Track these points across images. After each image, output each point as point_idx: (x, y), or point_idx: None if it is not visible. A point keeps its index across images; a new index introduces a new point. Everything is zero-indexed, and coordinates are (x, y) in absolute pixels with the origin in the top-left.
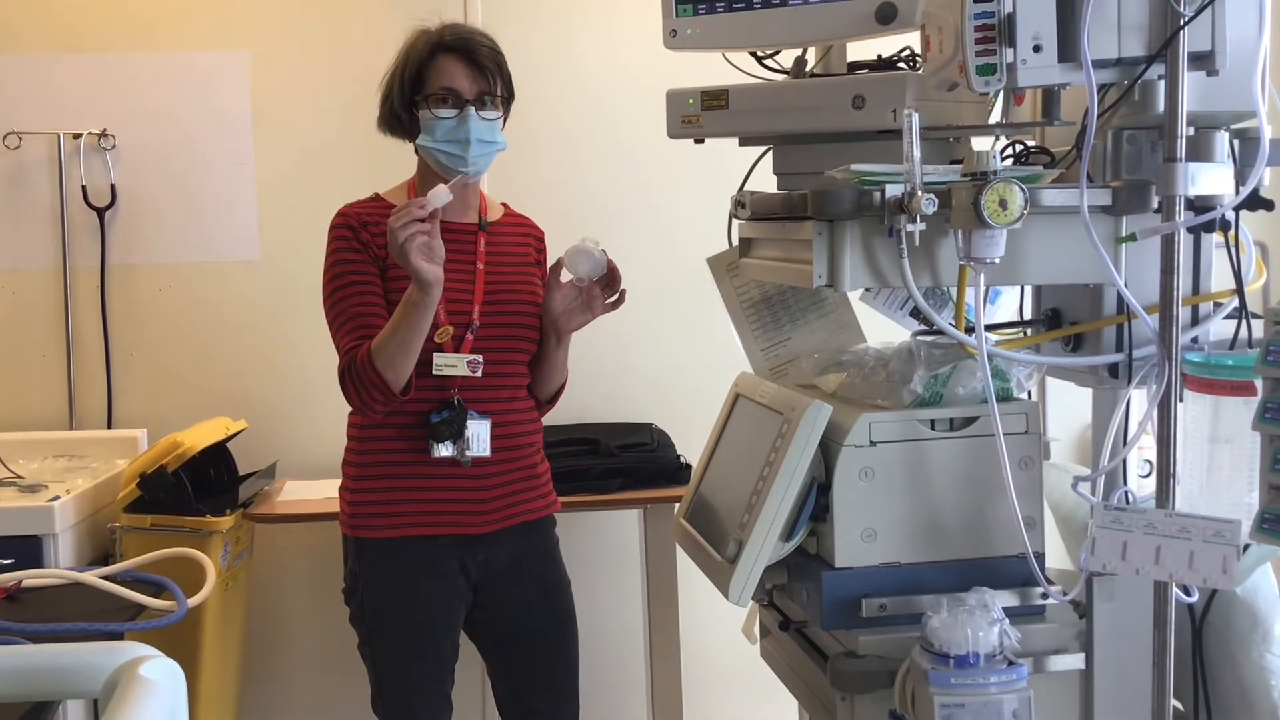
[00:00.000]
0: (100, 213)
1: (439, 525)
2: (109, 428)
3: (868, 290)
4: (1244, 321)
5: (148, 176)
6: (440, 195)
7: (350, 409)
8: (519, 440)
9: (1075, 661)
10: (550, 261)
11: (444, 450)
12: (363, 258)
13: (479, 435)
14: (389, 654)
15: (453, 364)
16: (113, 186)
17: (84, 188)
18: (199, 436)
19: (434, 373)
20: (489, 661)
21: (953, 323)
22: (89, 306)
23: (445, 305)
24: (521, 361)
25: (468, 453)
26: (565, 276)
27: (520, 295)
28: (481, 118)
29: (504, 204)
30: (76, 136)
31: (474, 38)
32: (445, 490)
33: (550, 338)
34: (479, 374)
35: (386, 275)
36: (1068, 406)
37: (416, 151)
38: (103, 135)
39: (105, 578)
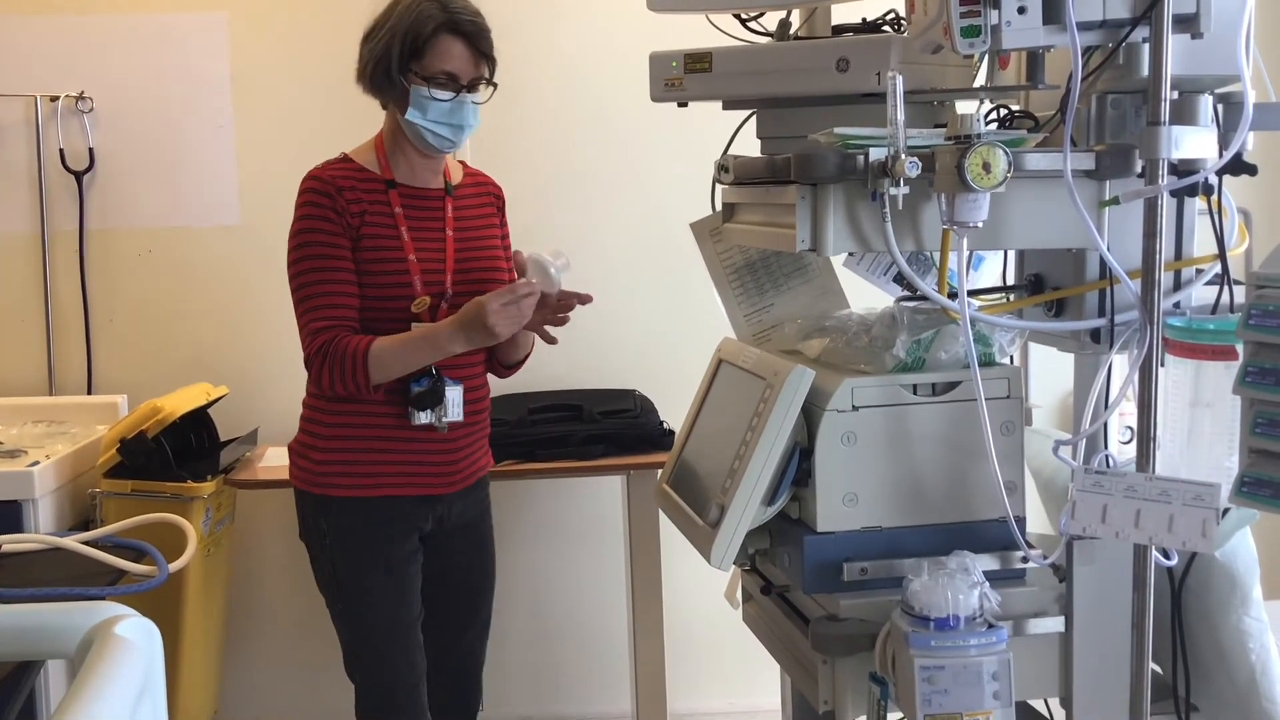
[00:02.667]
0: (78, 176)
1: (410, 486)
2: (89, 393)
3: (851, 255)
4: (1226, 287)
5: (126, 140)
6: (550, 279)
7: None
8: (483, 403)
9: (1055, 625)
10: (510, 225)
11: (423, 418)
12: (334, 228)
13: (454, 401)
14: (367, 612)
15: None
16: (91, 150)
17: (61, 151)
18: (179, 402)
19: None
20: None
21: (935, 288)
22: (68, 271)
23: (420, 275)
24: None
25: (445, 419)
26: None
27: (486, 259)
28: (473, 102)
29: (461, 162)
30: (54, 99)
31: (478, 21)
32: (418, 453)
33: None
34: None
35: (359, 245)
36: (1050, 372)
37: (386, 110)
38: (80, 98)
39: (86, 543)
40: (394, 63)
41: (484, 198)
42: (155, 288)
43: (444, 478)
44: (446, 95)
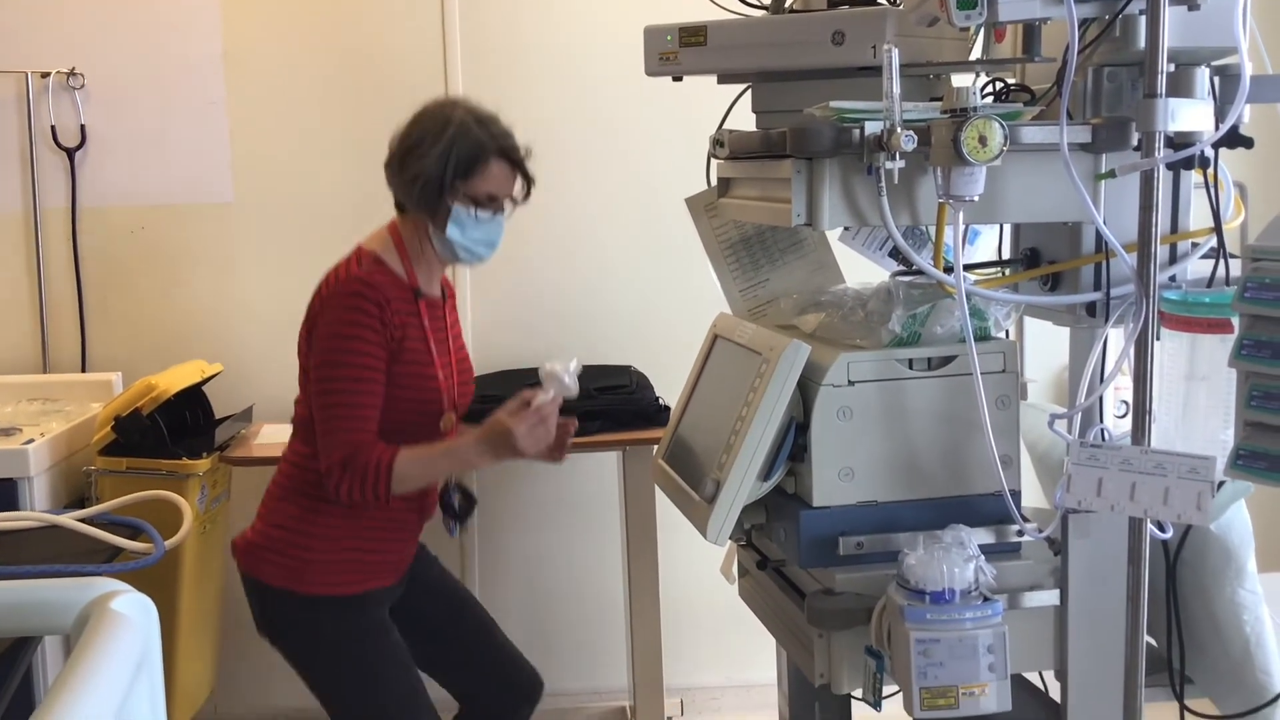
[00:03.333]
0: (70, 153)
1: (395, 574)
2: (83, 371)
3: (846, 230)
4: (1221, 260)
5: (118, 116)
6: (567, 387)
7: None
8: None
9: (1050, 598)
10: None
11: (456, 529)
12: (379, 340)
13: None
14: (389, 701)
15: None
16: (82, 127)
17: (53, 128)
18: (174, 379)
19: None
20: (428, 658)
21: (931, 262)
22: (60, 249)
23: (446, 391)
24: None
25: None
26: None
27: (467, 361)
28: (504, 219)
29: None
30: (45, 76)
31: (519, 144)
32: (403, 543)
33: None
34: None
35: (398, 359)
36: (1045, 347)
37: (403, 212)
38: (71, 74)
39: (82, 520)
40: (449, 180)
41: (449, 296)
42: (149, 265)
43: (411, 559)
44: (488, 215)
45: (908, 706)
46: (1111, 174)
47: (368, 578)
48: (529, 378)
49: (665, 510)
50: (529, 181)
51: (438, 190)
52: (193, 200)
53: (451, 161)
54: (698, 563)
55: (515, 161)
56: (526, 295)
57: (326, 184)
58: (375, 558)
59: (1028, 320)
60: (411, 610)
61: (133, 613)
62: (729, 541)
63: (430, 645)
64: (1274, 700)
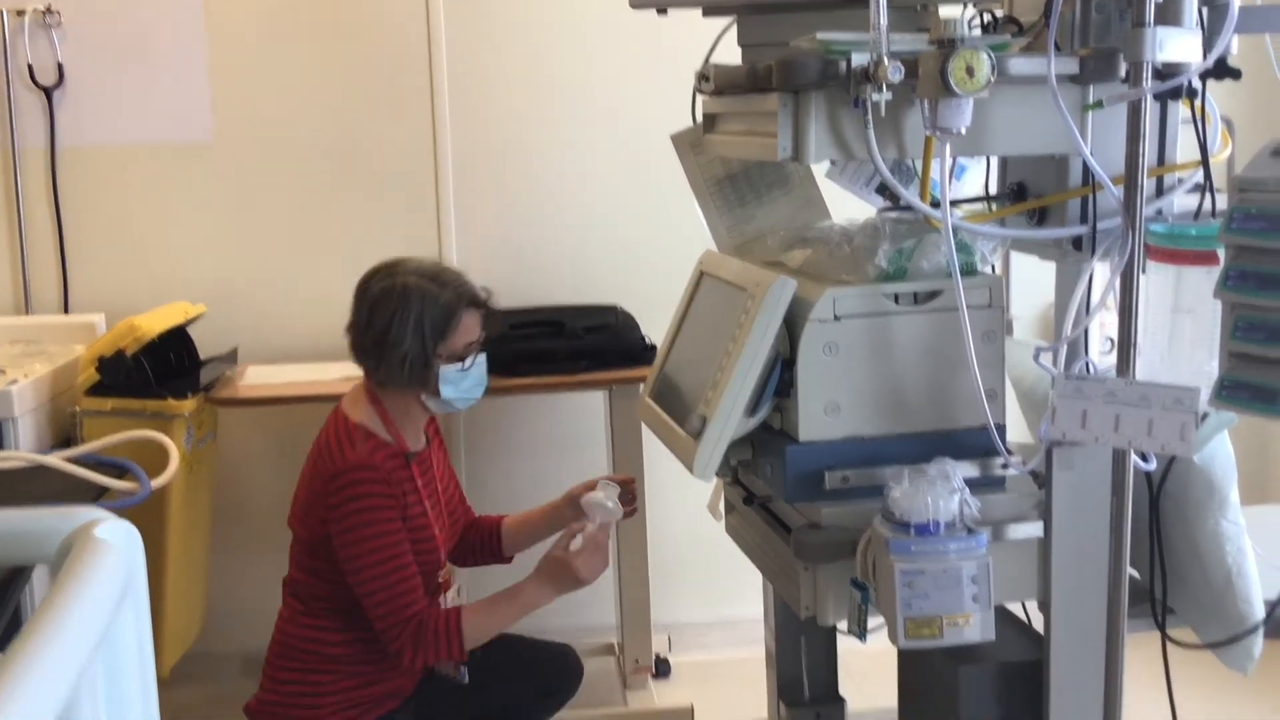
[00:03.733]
0: (48, 92)
1: (410, 689)
2: (65, 313)
3: (833, 165)
4: (1208, 193)
5: (95, 54)
6: (612, 512)
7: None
8: None
9: (1034, 530)
10: (489, 141)
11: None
12: (395, 512)
13: None
14: None
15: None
16: (59, 65)
17: (30, 66)
18: (157, 320)
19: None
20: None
21: (918, 196)
22: (39, 189)
23: (442, 545)
24: None
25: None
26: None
27: (457, 502)
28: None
29: None
30: (20, 13)
31: (479, 289)
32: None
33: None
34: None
35: (407, 525)
36: (1031, 284)
37: (382, 385)
38: (47, 11)
39: (68, 460)
40: (430, 353)
41: (433, 423)
42: (130, 206)
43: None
44: (473, 362)
45: (892, 637)
46: (1099, 104)
47: (378, 705)
48: (513, 317)
49: (652, 448)
50: (495, 315)
51: (424, 363)
52: (172, 140)
53: (427, 330)
54: (684, 500)
55: (481, 304)
56: (510, 236)
57: (307, 123)
58: (383, 688)
59: (1014, 258)
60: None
61: (116, 539)
62: (715, 478)
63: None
64: (1254, 629)
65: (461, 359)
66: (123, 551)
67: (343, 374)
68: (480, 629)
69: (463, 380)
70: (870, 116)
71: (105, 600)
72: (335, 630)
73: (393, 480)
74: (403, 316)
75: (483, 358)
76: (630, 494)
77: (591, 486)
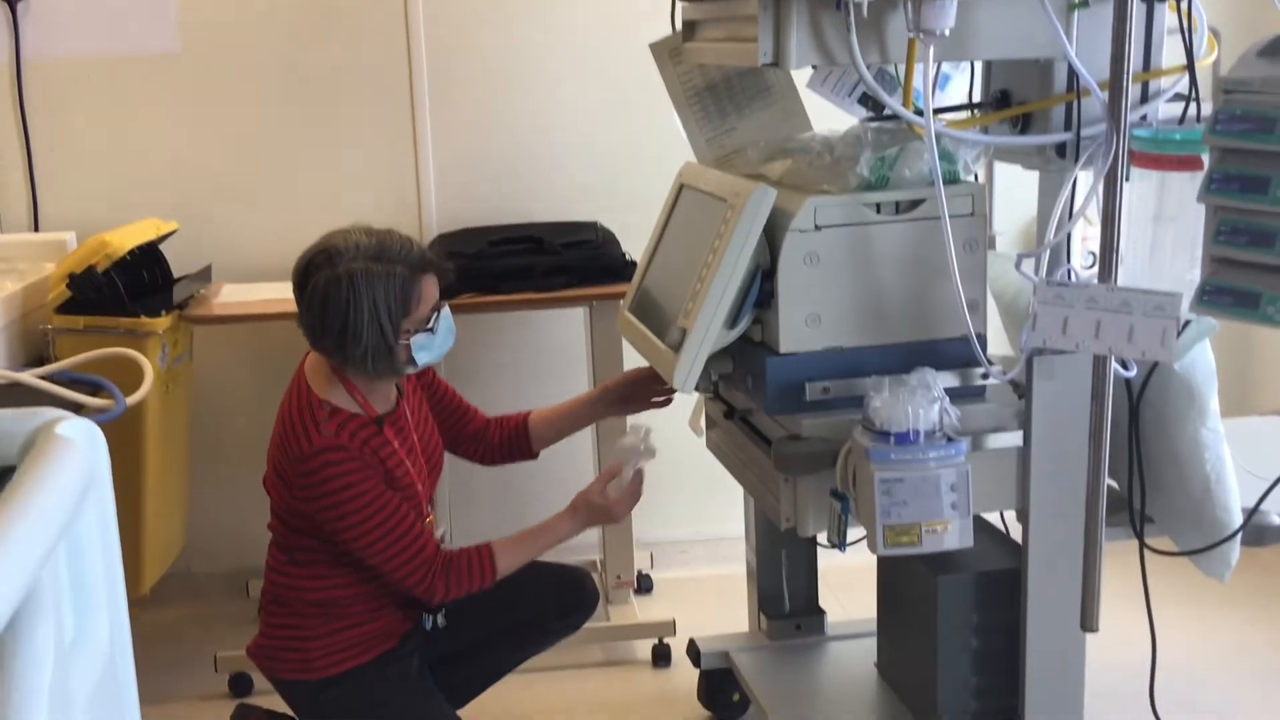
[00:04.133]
0: (11, 5)
1: (403, 631)
2: (35, 231)
3: (815, 74)
4: (1193, 100)
5: None
6: (644, 455)
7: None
8: None
9: (1013, 439)
10: (465, 55)
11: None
12: (375, 474)
13: None
14: None
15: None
16: None
17: None
18: (128, 236)
19: None
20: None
21: (901, 104)
22: (5, 106)
23: (426, 498)
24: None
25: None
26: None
27: (436, 441)
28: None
29: None
30: None
31: (424, 247)
32: (404, 612)
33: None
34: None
35: (391, 486)
36: (1014, 198)
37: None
38: None
39: (42, 378)
40: (392, 336)
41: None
42: (99, 121)
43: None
44: (436, 322)
45: (872, 545)
46: (1085, 3)
47: (372, 648)
48: (492, 234)
49: (633, 364)
50: (445, 270)
51: (388, 349)
52: (139, 53)
53: (386, 317)
54: (666, 417)
55: (433, 266)
56: (489, 152)
57: (277, 34)
58: (374, 628)
59: (997, 172)
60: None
61: (77, 436)
62: (696, 394)
63: (470, 625)
64: (1232, 536)
65: (428, 325)
66: (84, 448)
67: None
68: (510, 560)
69: (433, 341)
70: (852, 19)
71: (67, 495)
72: (320, 577)
73: (366, 453)
74: (357, 309)
75: (446, 309)
76: (661, 395)
77: (623, 381)
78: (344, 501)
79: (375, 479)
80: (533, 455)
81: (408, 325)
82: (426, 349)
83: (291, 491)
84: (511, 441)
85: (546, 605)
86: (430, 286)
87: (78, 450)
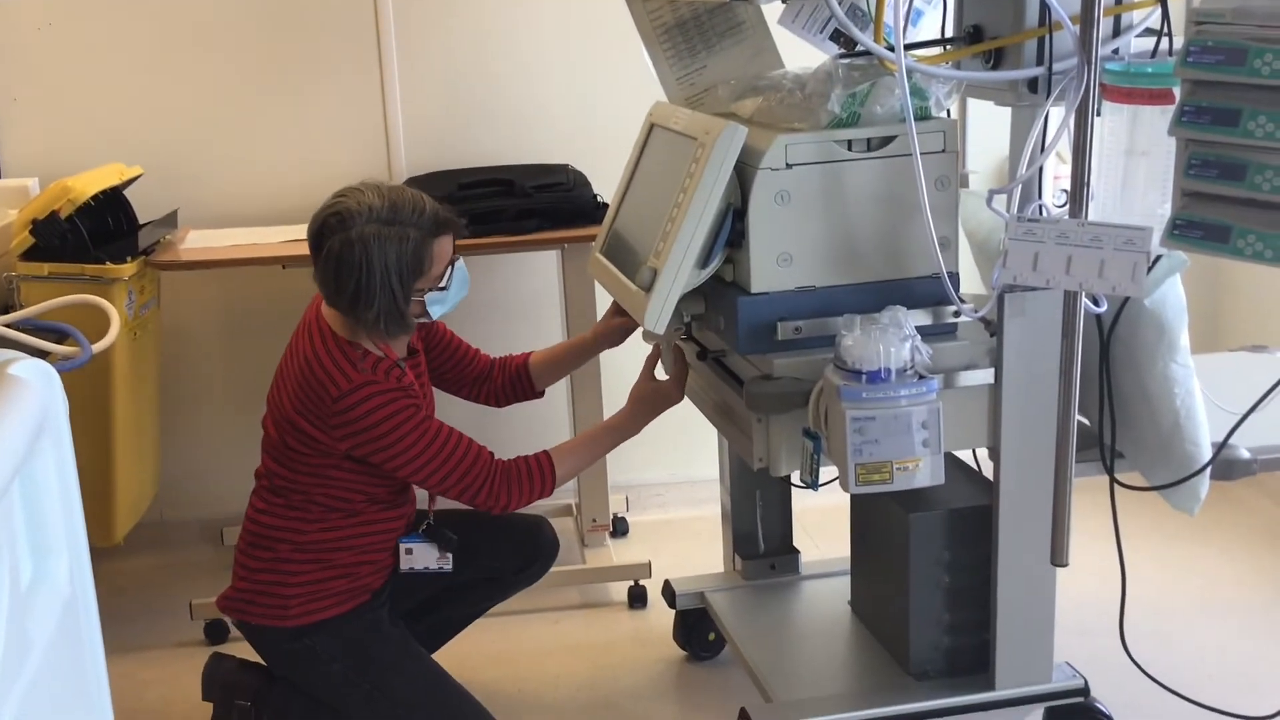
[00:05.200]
0: None
1: (373, 589)
2: None
3: (786, 8)
4: (1165, 33)
5: None
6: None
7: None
8: None
9: (985, 377)
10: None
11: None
12: (418, 404)
13: None
14: (418, 688)
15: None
16: None
17: None
18: (91, 182)
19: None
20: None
21: (873, 39)
22: None
23: None
24: None
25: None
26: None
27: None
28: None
29: None
30: None
31: (439, 206)
32: (385, 569)
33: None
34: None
35: None
36: (987, 138)
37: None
38: None
39: (5, 326)
40: (403, 303)
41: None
42: (60, 64)
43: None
44: (449, 278)
45: (844, 484)
46: None
47: (349, 600)
48: (462, 176)
49: (606, 307)
50: (457, 226)
51: (400, 312)
52: None
53: (398, 281)
54: (639, 359)
55: (447, 225)
56: (457, 94)
57: None
58: (354, 583)
59: (971, 111)
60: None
61: (30, 376)
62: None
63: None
64: (1202, 470)
65: (441, 284)
66: (38, 389)
67: (285, 236)
68: (571, 465)
69: (445, 296)
70: None
71: (20, 434)
72: (310, 520)
73: (398, 385)
74: (369, 273)
75: (460, 262)
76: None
77: (610, 315)
78: (393, 429)
79: (414, 404)
80: (537, 394)
81: (421, 285)
82: (440, 303)
83: (328, 431)
84: (515, 382)
85: (505, 559)
86: (444, 246)
87: (31, 390)
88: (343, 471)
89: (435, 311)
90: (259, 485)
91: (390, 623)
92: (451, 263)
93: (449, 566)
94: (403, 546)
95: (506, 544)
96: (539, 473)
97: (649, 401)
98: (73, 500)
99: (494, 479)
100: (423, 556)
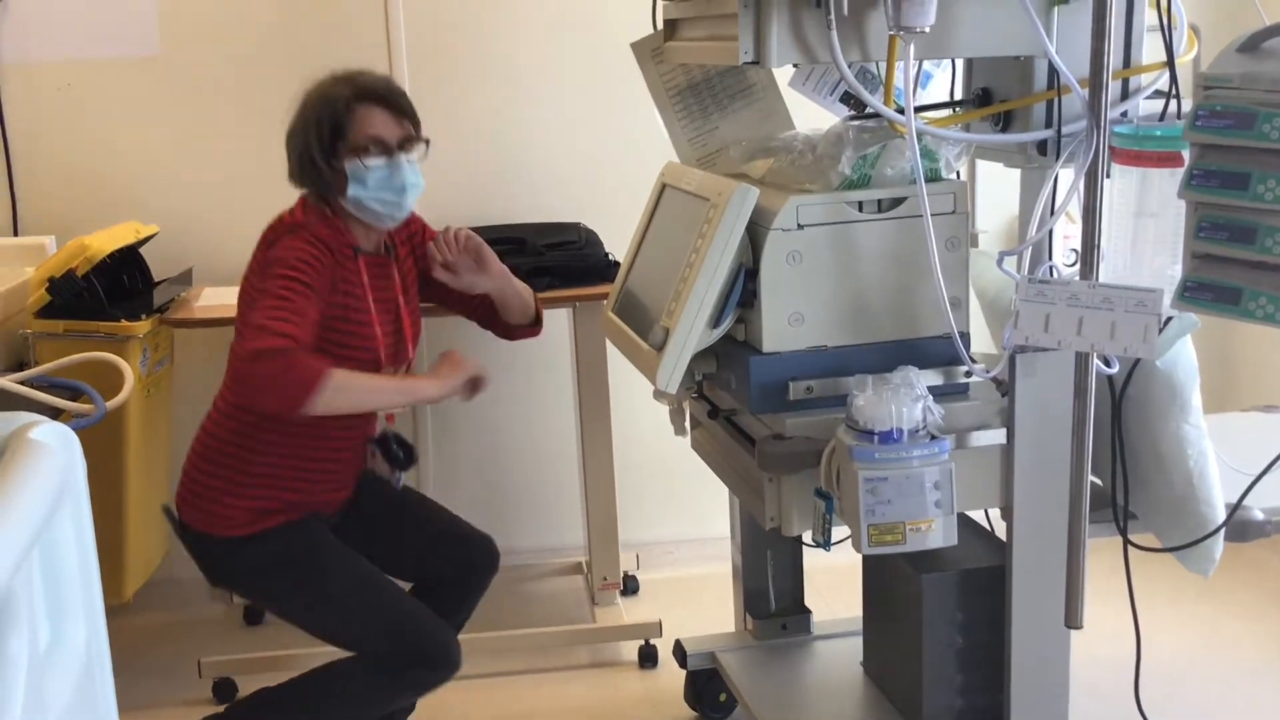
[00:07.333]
0: None
1: (313, 508)
2: (14, 235)
3: (797, 72)
4: (1173, 97)
5: None
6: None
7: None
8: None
9: (997, 437)
10: (448, 53)
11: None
12: (324, 273)
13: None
14: (346, 588)
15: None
16: None
17: None
18: (107, 240)
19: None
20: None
21: (882, 102)
22: None
23: (386, 348)
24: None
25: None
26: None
27: (420, 317)
28: (409, 162)
29: None
30: None
31: (389, 83)
32: (328, 493)
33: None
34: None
35: (337, 309)
36: (996, 198)
37: (327, 199)
38: None
39: (21, 383)
40: (317, 151)
41: (411, 244)
42: (78, 124)
43: (337, 494)
44: (379, 161)
45: (856, 545)
46: (1065, 0)
47: (281, 516)
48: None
49: (617, 366)
50: (408, 117)
51: (312, 161)
52: (119, 54)
53: (321, 125)
54: (651, 419)
55: (382, 99)
56: (470, 152)
57: (256, 35)
58: (296, 497)
59: (980, 171)
60: (351, 522)
61: (51, 440)
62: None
63: (377, 548)
64: (1215, 531)
65: (365, 154)
66: (59, 453)
67: None
68: (348, 393)
69: (369, 180)
70: (833, 17)
71: (41, 499)
72: (267, 430)
73: (334, 255)
74: (301, 114)
75: (401, 166)
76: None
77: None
78: (283, 259)
79: (319, 269)
80: (532, 329)
81: (341, 148)
82: (360, 184)
83: (250, 279)
84: (494, 320)
85: (433, 568)
86: (372, 117)
87: (52, 455)
88: None
89: (351, 189)
90: (216, 397)
91: (327, 539)
92: (386, 151)
93: (398, 484)
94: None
95: (435, 555)
96: (298, 386)
97: (445, 369)
98: (90, 564)
99: (276, 360)
100: (381, 467)
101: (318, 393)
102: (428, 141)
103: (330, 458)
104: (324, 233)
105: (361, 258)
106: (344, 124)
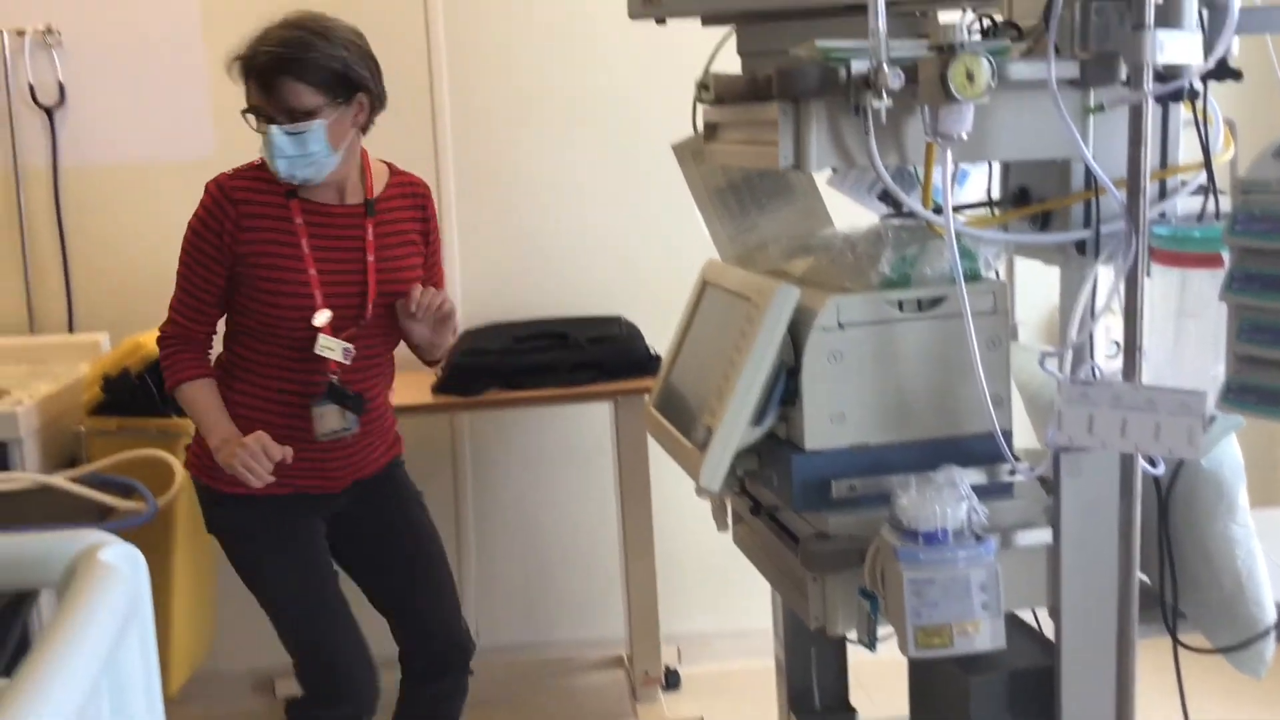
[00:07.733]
0: (49, 112)
1: (290, 486)
2: (70, 332)
3: (834, 173)
4: (1211, 196)
5: (96, 73)
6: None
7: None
8: (374, 413)
9: (1043, 536)
10: (490, 148)
11: (338, 424)
12: (215, 244)
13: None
14: (273, 591)
15: (331, 348)
16: (60, 84)
17: (31, 86)
18: None
19: (315, 352)
20: (363, 584)
21: (920, 202)
22: (43, 209)
23: (326, 290)
24: (395, 343)
25: (351, 424)
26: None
27: (404, 281)
28: (284, 132)
29: (388, 165)
30: (20, 33)
31: (275, 52)
32: (301, 456)
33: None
34: (349, 361)
35: (254, 255)
36: (1035, 290)
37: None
38: (48, 31)
39: (73, 480)
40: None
41: (409, 208)
42: (133, 223)
43: (326, 480)
44: (262, 127)
45: (902, 646)
46: (1100, 108)
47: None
48: (518, 329)
49: (658, 459)
50: (273, 94)
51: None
52: (174, 158)
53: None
54: (691, 511)
55: (256, 74)
56: (514, 247)
57: None
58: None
59: (1018, 262)
60: (354, 539)
61: (120, 563)
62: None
63: (366, 579)
64: (1266, 633)
65: (256, 115)
66: (127, 575)
67: None
68: (188, 399)
69: (264, 141)
70: (871, 124)
71: (110, 624)
72: (240, 368)
73: (239, 208)
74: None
75: (271, 134)
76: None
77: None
78: (188, 230)
79: (211, 239)
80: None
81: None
82: (264, 143)
83: None
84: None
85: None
86: (250, 87)
87: (121, 578)
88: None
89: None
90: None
91: (298, 531)
92: (263, 118)
93: (355, 426)
94: (314, 411)
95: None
96: (168, 372)
97: (223, 450)
98: (154, 684)
99: (173, 344)
100: (331, 419)
101: (172, 387)
102: (345, 100)
103: (287, 400)
104: (236, 182)
105: (295, 201)
106: (244, 82)
